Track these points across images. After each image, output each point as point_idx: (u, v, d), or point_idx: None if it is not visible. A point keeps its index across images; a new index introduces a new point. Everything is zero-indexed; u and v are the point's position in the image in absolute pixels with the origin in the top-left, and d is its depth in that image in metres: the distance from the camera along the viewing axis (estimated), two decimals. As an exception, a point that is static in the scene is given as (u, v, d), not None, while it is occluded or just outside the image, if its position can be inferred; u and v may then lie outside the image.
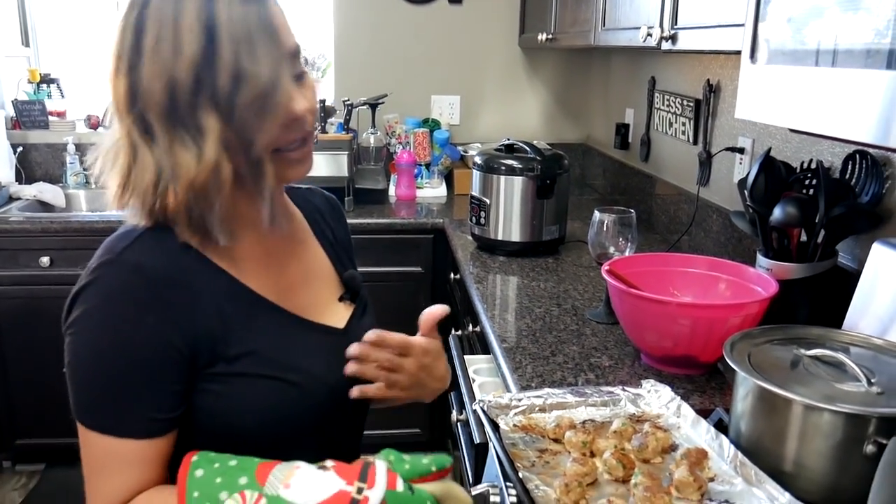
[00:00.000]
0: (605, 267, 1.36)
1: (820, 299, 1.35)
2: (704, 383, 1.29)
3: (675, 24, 1.45)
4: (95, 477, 0.81)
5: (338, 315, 0.98)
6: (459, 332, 1.88)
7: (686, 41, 1.40)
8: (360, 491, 0.73)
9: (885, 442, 0.82)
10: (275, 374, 0.86)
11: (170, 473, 0.83)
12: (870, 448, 0.82)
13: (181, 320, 0.81)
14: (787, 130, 1.67)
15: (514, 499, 0.89)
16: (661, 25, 1.48)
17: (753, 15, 0.99)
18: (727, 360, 0.96)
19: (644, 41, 1.52)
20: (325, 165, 2.63)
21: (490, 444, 1.03)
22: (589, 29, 2.02)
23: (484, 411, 1.06)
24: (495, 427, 1.03)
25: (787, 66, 0.92)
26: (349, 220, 1.12)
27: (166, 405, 0.81)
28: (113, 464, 0.80)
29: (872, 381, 0.91)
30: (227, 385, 0.84)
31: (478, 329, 1.75)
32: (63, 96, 3.17)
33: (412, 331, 0.98)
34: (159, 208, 0.82)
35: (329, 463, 0.78)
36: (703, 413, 1.08)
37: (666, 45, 1.46)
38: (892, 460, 0.73)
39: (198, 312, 0.83)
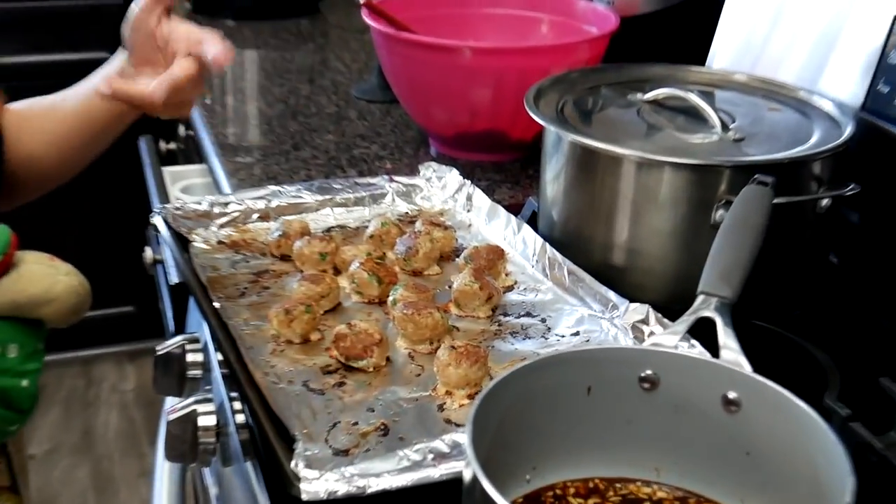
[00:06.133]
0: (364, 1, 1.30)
1: (682, 41, 1.38)
2: (518, 172, 1.30)
3: None
4: None
5: None
6: (161, 144, 1.82)
7: None
8: None
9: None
10: None
11: None
12: (720, 214, 0.84)
13: None
14: None
15: (221, 356, 0.85)
16: None
17: None
18: (528, 110, 0.95)
19: None
20: None
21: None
22: None
23: (167, 223, 0.99)
24: (184, 245, 0.97)
25: None
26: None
27: None
28: None
29: (730, 126, 0.93)
30: None
31: (191, 132, 1.68)
32: None
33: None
34: None
35: None
36: (514, 209, 1.08)
37: None
38: (738, 215, 0.74)
39: None
